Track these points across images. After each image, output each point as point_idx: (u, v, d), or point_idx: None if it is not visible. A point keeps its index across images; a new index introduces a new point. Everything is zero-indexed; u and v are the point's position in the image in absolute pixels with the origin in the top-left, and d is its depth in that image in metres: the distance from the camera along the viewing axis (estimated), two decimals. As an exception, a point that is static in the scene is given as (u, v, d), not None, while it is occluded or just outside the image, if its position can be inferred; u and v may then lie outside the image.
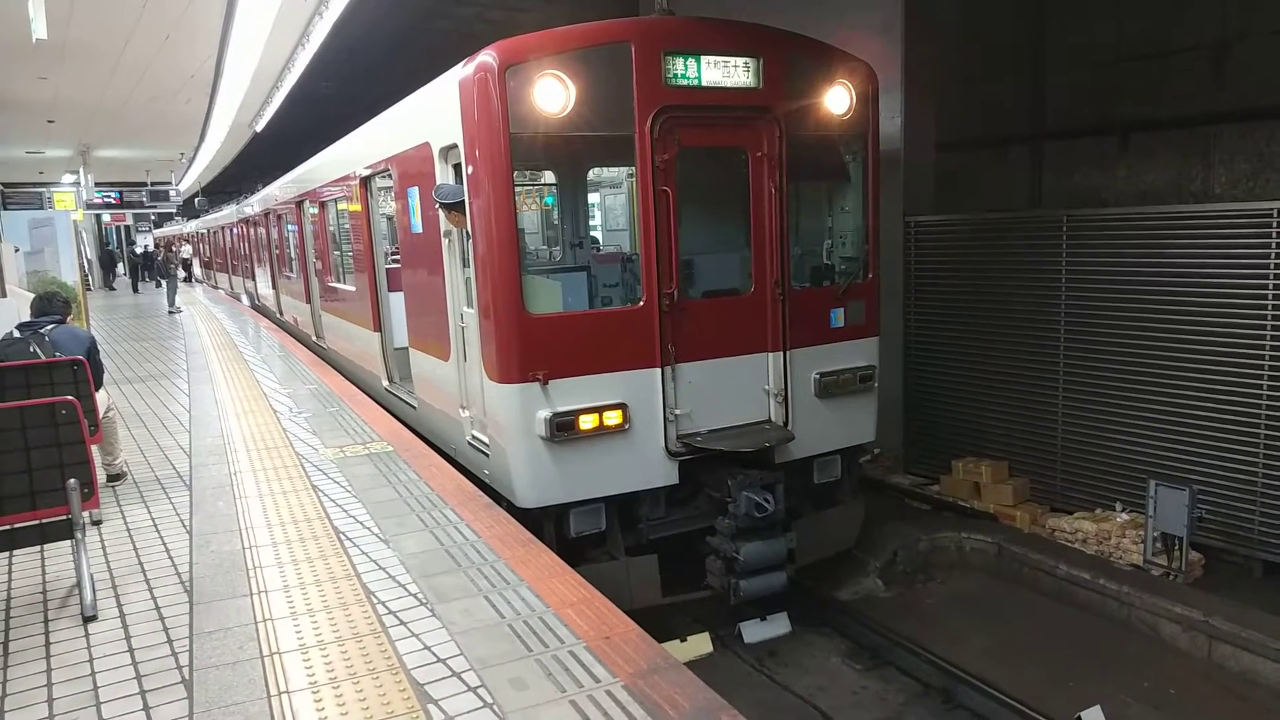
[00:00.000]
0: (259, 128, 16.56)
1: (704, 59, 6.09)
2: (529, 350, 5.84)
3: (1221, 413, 7.45)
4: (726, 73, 6.19)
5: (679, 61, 6.02)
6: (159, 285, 26.39)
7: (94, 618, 4.22)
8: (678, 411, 6.22)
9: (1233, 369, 7.34)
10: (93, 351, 6.13)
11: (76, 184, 24.59)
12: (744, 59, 6.22)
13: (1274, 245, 7.01)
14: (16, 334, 6.03)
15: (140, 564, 4.90)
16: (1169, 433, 7.85)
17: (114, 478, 6.42)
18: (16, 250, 17.93)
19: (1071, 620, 7.12)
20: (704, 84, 6.11)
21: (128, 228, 42.49)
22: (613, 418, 6.00)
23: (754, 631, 7.03)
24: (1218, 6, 10.06)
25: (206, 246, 34.96)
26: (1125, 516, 8.02)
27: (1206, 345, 7.51)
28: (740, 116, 6.36)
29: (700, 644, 6.77)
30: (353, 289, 10.52)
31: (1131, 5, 10.89)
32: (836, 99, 6.66)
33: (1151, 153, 10.99)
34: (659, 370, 6.13)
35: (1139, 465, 8.03)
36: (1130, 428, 8.15)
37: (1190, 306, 7.60)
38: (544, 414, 5.84)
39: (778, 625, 7.10)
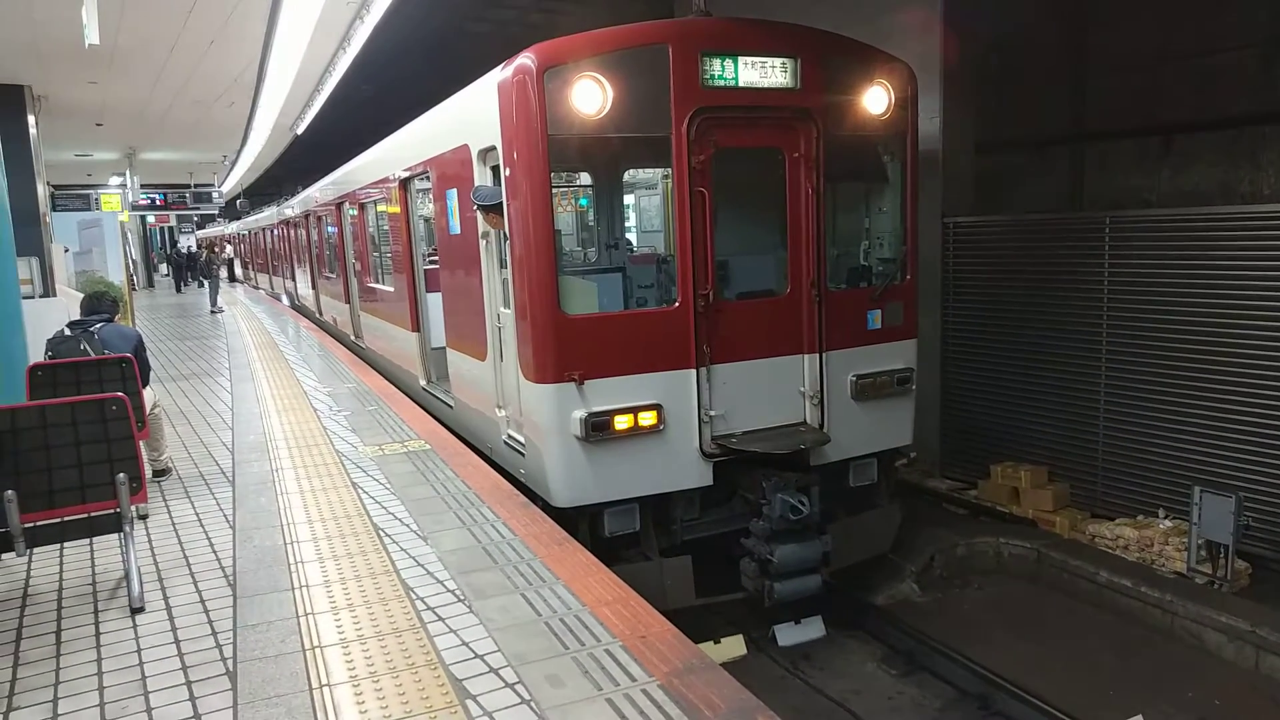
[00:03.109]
0: (300, 131, 16.82)
1: (741, 60, 6.08)
2: (565, 350, 5.87)
3: (1268, 417, 7.28)
4: (764, 73, 6.17)
5: (716, 62, 6.01)
6: (201, 285, 26.89)
7: (141, 609, 4.31)
8: (712, 413, 6.21)
9: (1281, 374, 7.18)
10: (139, 349, 6.28)
11: (123, 186, 25.15)
12: (781, 59, 6.20)
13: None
14: (68, 331, 6.19)
15: (185, 557, 5.01)
16: (1214, 438, 7.69)
17: (159, 473, 6.54)
18: (66, 251, 18.40)
19: (1112, 628, 7.01)
20: (741, 84, 6.10)
21: (171, 229, 43.36)
22: (648, 418, 6.01)
23: (788, 635, 7.00)
24: (1265, 4, 9.83)
25: (247, 247, 35.57)
26: (1168, 523, 7.87)
27: (1253, 348, 7.35)
28: (777, 117, 6.34)
29: (734, 646, 6.76)
30: (391, 290, 10.65)
31: (1175, 4, 10.68)
32: (875, 99, 6.63)
33: (1196, 154, 10.76)
34: (694, 371, 6.13)
35: (1183, 471, 7.88)
36: (1174, 432, 8.00)
37: (1236, 309, 7.44)
38: (579, 414, 5.87)
39: (812, 629, 7.06)
